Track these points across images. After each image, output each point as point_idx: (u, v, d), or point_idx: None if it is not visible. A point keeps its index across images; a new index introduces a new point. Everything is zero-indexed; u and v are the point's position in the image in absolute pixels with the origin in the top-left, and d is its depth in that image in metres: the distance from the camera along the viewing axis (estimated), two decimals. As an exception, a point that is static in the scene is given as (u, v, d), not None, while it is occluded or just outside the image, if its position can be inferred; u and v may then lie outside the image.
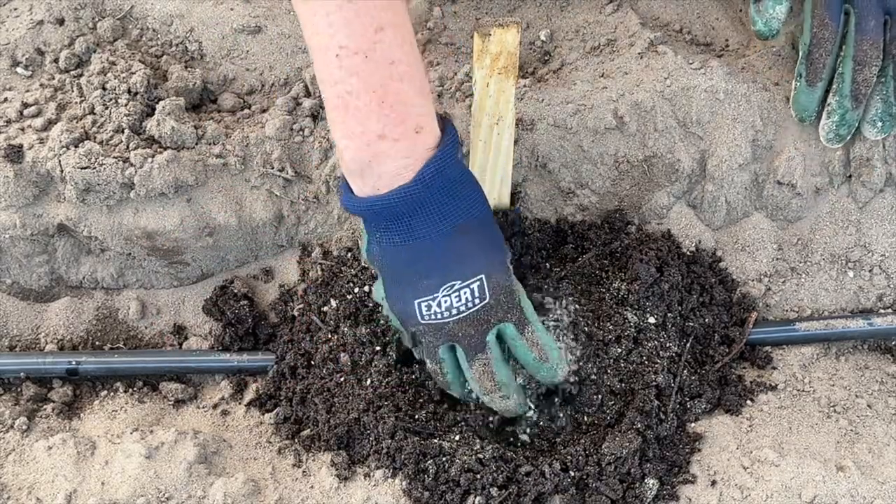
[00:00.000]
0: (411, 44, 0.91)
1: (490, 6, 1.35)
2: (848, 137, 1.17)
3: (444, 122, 0.96)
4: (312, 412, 1.09)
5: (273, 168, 1.15)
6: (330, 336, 1.12)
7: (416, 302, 0.98)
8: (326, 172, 1.16)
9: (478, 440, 1.04)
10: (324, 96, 0.92)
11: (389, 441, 1.03)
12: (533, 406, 1.07)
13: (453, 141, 0.94)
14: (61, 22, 1.26)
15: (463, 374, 1.03)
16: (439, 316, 0.98)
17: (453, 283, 0.97)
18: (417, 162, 0.92)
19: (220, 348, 1.17)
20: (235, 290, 1.20)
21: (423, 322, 0.99)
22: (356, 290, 1.13)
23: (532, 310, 1.02)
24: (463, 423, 1.06)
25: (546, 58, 1.28)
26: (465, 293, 0.97)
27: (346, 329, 1.11)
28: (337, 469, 1.04)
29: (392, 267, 0.99)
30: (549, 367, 1.03)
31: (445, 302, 0.97)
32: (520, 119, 1.15)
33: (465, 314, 0.98)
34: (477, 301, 0.98)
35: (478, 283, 0.97)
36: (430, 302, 0.97)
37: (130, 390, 1.17)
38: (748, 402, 1.12)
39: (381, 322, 1.11)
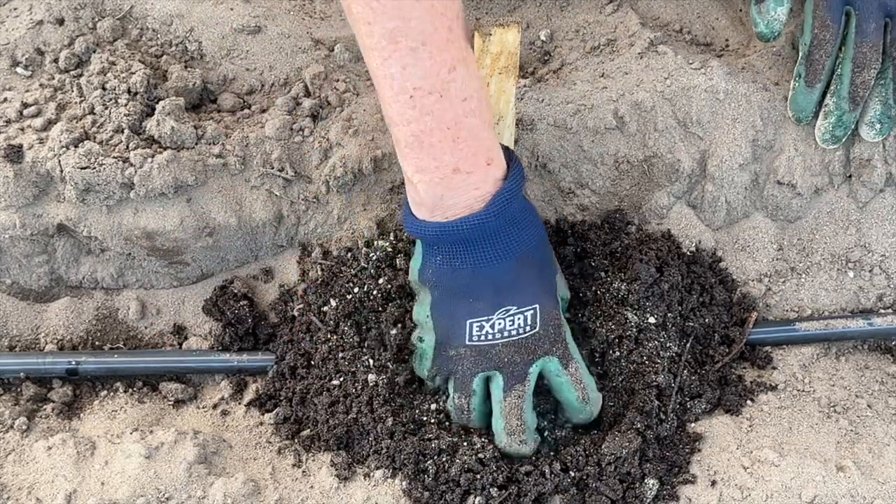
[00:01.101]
0: (478, 77, 0.94)
1: (490, 6, 1.35)
2: (844, 139, 1.17)
3: (509, 153, 0.98)
4: (312, 412, 1.09)
5: (273, 168, 1.15)
6: (330, 336, 1.12)
7: (468, 322, 1.00)
8: (326, 172, 1.16)
9: (478, 440, 1.04)
10: (395, 135, 0.94)
11: (389, 441, 1.03)
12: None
13: (520, 172, 0.97)
14: (61, 22, 1.26)
15: (487, 411, 1.04)
16: (490, 337, 1.00)
17: (509, 307, 0.99)
18: (487, 193, 0.95)
19: (220, 348, 1.17)
20: (235, 290, 1.20)
21: (468, 343, 1.00)
22: (356, 290, 1.13)
23: (576, 347, 1.04)
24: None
25: (546, 58, 1.28)
26: (518, 319, 1.00)
27: (345, 329, 1.11)
28: (337, 469, 1.04)
29: (449, 288, 1.00)
30: (587, 409, 1.04)
31: (499, 324, 0.99)
32: (520, 119, 1.15)
33: (514, 339, 1.00)
34: (528, 329, 1.00)
35: (531, 311, 1.00)
36: (484, 323, 1.00)
37: (130, 390, 1.17)
38: (748, 402, 1.12)
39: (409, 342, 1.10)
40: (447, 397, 1.06)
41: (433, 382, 1.06)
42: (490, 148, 0.95)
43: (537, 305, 1.00)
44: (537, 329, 1.00)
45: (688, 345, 1.13)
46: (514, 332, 1.00)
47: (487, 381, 1.03)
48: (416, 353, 1.07)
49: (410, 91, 0.89)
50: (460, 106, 0.91)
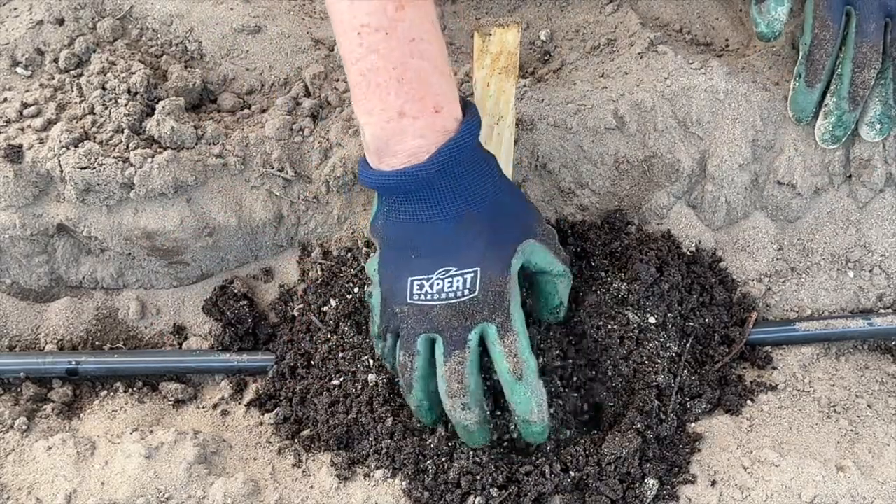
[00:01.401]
0: (433, 22, 0.91)
1: (490, 6, 1.35)
2: (843, 139, 1.17)
3: (466, 104, 0.96)
4: (312, 412, 1.09)
5: (273, 168, 1.15)
6: (330, 336, 1.12)
7: (409, 279, 0.97)
8: (326, 172, 1.16)
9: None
10: (347, 75, 0.93)
11: (389, 441, 1.03)
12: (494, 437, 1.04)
13: (472, 125, 0.94)
14: (61, 22, 1.26)
15: (430, 375, 1.00)
16: (429, 297, 0.97)
17: (448, 268, 0.96)
18: (434, 143, 0.92)
19: (220, 348, 1.17)
20: (235, 290, 1.20)
21: (409, 302, 0.97)
22: (356, 290, 1.13)
23: (521, 319, 0.98)
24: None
25: (546, 58, 1.28)
26: (457, 281, 0.96)
27: (345, 329, 1.11)
28: (337, 469, 1.04)
29: (393, 241, 0.98)
30: (522, 392, 0.97)
31: (438, 284, 0.96)
32: (520, 119, 1.15)
33: (452, 302, 0.96)
34: (466, 292, 0.96)
35: (471, 274, 0.96)
36: (424, 282, 0.97)
37: (130, 390, 1.17)
38: (748, 402, 1.12)
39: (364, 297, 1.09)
40: (394, 357, 1.03)
41: (384, 342, 1.03)
42: (440, 94, 0.92)
43: (478, 269, 0.96)
44: (476, 293, 0.96)
45: (688, 345, 1.13)
46: (451, 295, 0.96)
47: (433, 342, 0.99)
48: (367, 304, 1.05)
49: (358, 28, 0.88)
50: (407, 46, 0.89)
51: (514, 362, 0.96)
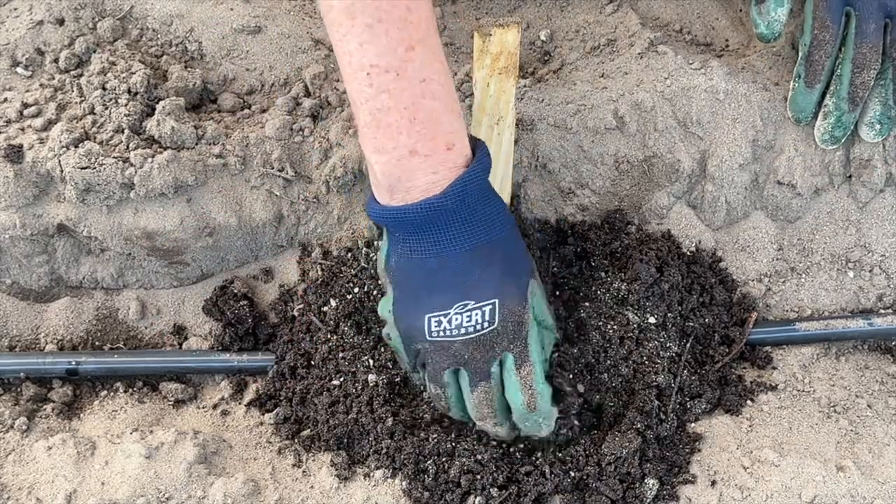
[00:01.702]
0: (441, 62, 0.92)
1: (490, 6, 1.35)
2: (843, 139, 1.17)
3: (476, 142, 0.97)
4: (312, 412, 1.09)
5: (273, 168, 1.15)
6: (330, 336, 1.12)
7: (426, 317, 0.97)
8: (326, 172, 1.16)
9: (478, 441, 1.04)
10: (355, 114, 0.93)
11: (389, 441, 1.03)
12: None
13: (483, 162, 0.95)
14: (61, 22, 1.26)
15: (462, 399, 1.02)
16: (448, 333, 0.97)
17: (467, 302, 0.96)
18: (446, 179, 0.92)
19: (220, 348, 1.17)
20: (235, 290, 1.20)
21: (430, 339, 0.98)
22: (356, 290, 1.13)
23: (538, 350, 0.99)
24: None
25: (546, 58, 1.28)
26: (476, 314, 0.96)
27: (345, 329, 1.11)
28: (337, 469, 1.04)
29: (408, 279, 0.98)
30: (534, 419, 1.00)
31: (456, 320, 0.96)
32: (520, 119, 1.15)
33: (472, 336, 0.97)
34: (486, 325, 0.97)
35: (490, 306, 0.96)
36: (442, 318, 0.97)
37: (130, 390, 1.17)
38: (748, 402, 1.12)
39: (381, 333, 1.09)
40: (424, 387, 1.05)
41: (418, 373, 1.04)
42: (451, 133, 0.93)
43: (496, 300, 0.96)
44: (496, 325, 0.97)
45: (688, 345, 1.14)
46: (471, 329, 0.96)
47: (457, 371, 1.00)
48: (390, 347, 1.06)
49: (367, 68, 0.89)
50: (418, 87, 0.90)
51: (530, 395, 0.98)
